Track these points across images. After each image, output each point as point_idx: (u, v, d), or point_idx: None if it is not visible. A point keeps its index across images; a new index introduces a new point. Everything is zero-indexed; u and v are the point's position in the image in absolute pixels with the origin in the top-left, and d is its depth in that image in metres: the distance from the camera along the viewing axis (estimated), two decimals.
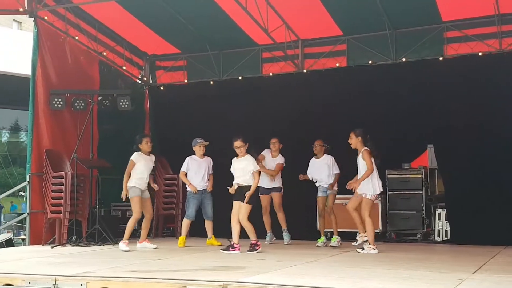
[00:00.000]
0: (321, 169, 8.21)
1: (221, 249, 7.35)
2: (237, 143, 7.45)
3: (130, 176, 7.83)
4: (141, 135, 8.20)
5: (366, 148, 7.25)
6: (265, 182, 8.45)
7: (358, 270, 5.54)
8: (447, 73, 8.87)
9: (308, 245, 8.26)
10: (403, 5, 8.65)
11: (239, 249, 7.23)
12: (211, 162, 8.47)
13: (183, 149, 8.79)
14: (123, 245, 7.64)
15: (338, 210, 8.31)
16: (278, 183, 8.52)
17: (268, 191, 8.51)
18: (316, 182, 8.32)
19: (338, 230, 8.20)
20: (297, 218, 8.93)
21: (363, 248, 7.16)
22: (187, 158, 8.40)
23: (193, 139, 8.44)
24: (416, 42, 9.25)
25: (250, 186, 7.31)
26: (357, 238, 7.41)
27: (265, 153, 8.61)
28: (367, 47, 9.62)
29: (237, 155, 7.53)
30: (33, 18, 8.94)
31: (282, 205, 8.51)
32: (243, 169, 7.39)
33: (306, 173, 8.37)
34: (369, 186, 7.16)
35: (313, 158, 8.36)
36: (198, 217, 8.45)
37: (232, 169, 7.51)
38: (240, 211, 7.31)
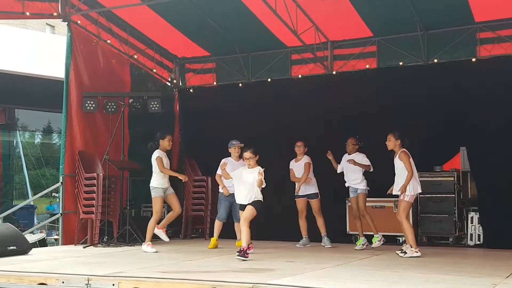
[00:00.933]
0: (352, 168, 8.13)
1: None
2: (247, 155, 6.94)
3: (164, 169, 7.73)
4: (164, 132, 8.03)
5: (404, 149, 7.19)
6: (301, 188, 8.44)
7: (389, 274, 5.48)
8: (480, 75, 8.72)
9: (338, 248, 8.21)
10: (435, 5, 8.53)
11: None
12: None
13: (212, 151, 8.86)
14: (147, 247, 7.63)
15: (373, 213, 8.22)
16: (314, 188, 8.44)
17: (303, 196, 8.47)
18: (346, 182, 8.26)
19: (369, 233, 8.11)
20: (326, 221, 8.87)
21: (405, 252, 7.05)
22: (223, 160, 8.29)
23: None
24: (448, 43, 9.11)
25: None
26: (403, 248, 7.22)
27: (291, 165, 8.59)
28: (398, 48, 9.51)
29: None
30: (66, 23, 9.12)
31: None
32: (252, 184, 6.88)
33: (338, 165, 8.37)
34: (408, 187, 7.11)
35: (346, 154, 8.30)
36: (227, 219, 8.47)
37: (238, 176, 7.05)
38: (246, 211, 6.84)
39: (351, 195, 8.23)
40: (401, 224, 7.19)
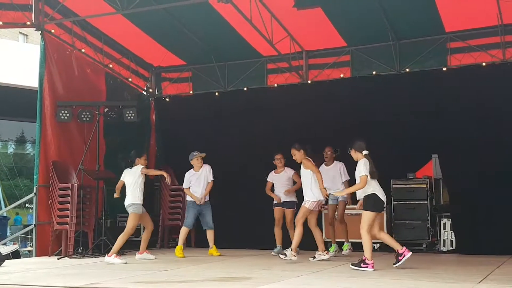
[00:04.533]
0: (333, 177, 8.18)
1: (352, 264, 6.52)
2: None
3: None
4: (139, 151, 8.03)
5: (307, 157, 7.36)
6: (281, 197, 8.49)
7: (364, 281, 5.54)
8: (451, 84, 8.92)
9: (313, 255, 8.24)
10: (407, 16, 8.72)
11: (372, 267, 6.29)
12: (210, 169, 8.52)
13: (189, 160, 8.83)
14: (114, 259, 7.42)
15: (347, 220, 8.28)
16: (292, 197, 8.43)
17: (281, 204, 8.50)
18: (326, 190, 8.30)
19: (341, 240, 8.19)
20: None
21: (314, 257, 7.33)
22: (186, 174, 8.52)
23: (199, 150, 8.52)
24: (420, 52, 9.30)
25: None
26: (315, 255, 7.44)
27: (271, 177, 8.60)
28: (371, 58, 9.68)
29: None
30: (40, 32, 9.04)
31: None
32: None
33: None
34: (309, 193, 7.29)
35: (323, 165, 8.30)
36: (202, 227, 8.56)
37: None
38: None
39: (330, 202, 8.26)
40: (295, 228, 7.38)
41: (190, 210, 8.42)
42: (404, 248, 6.45)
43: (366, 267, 6.26)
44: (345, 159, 8.18)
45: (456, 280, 5.48)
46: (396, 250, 6.47)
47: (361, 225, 6.39)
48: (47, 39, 9.07)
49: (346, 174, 8.15)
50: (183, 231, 8.42)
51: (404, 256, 6.39)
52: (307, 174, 7.33)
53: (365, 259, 6.30)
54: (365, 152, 6.58)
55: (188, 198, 8.51)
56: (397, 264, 6.39)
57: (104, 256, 8.04)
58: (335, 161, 8.29)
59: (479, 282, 5.33)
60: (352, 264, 6.41)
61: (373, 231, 6.46)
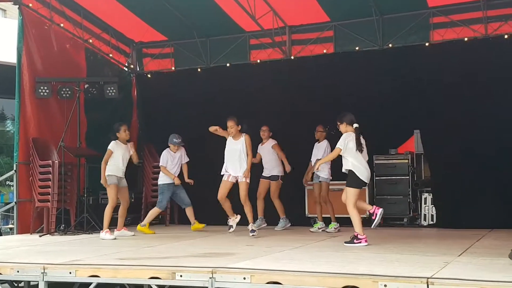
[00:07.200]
0: (318, 154, 8.21)
1: (345, 242, 6.41)
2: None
3: (107, 165, 7.79)
4: (119, 123, 8.08)
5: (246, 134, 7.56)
6: (265, 169, 8.61)
7: (346, 255, 5.59)
8: (433, 59, 8.91)
9: (297, 230, 8.33)
10: None
11: (366, 241, 6.24)
12: (184, 150, 8.69)
13: (168, 140, 8.79)
14: (105, 234, 7.60)
15: (331, 197, 8.28)
16: (277, 171, 8.56)
17: (267, 177, 8.61)
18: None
19: (327, 215, 8.23)
20: (287, 204, 8.97)
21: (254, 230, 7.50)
22: (165, 152, 8.64)
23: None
24: (403, 28, 9.27)
25: None
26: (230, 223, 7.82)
27: (259, 149, 8.72)
28: (354, 33, 9.62)
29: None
30: (17, 6, 8.84)
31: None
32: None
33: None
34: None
35: (316, 143, 8.41)
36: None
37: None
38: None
39: (314, 180, 8.33)
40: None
41: (166, 193, 8.54)
42: (374, 206, 6.45)
43: (360, 242, 6.23)
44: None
45: (437, 254, 5.55)
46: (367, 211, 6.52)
47: (347, 202, 6.34)
48: (25, 13, 8.87)
49: (329, 152, 8.12)
50: (155, 211, 8.53)
51: (376, 214, 6.33)
52: (243, 149, 7.50)
53: (357, 234, 6.28)
54: (355, 125, 6.41)
55: (162, 181, 8.56)
56: (374, 223, 6.36)
57: (86, 233, 8.08)
58: (325, 140, 8.25)
59: (459, 255, 5.41)
60: (345, 242, 6.35)
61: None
